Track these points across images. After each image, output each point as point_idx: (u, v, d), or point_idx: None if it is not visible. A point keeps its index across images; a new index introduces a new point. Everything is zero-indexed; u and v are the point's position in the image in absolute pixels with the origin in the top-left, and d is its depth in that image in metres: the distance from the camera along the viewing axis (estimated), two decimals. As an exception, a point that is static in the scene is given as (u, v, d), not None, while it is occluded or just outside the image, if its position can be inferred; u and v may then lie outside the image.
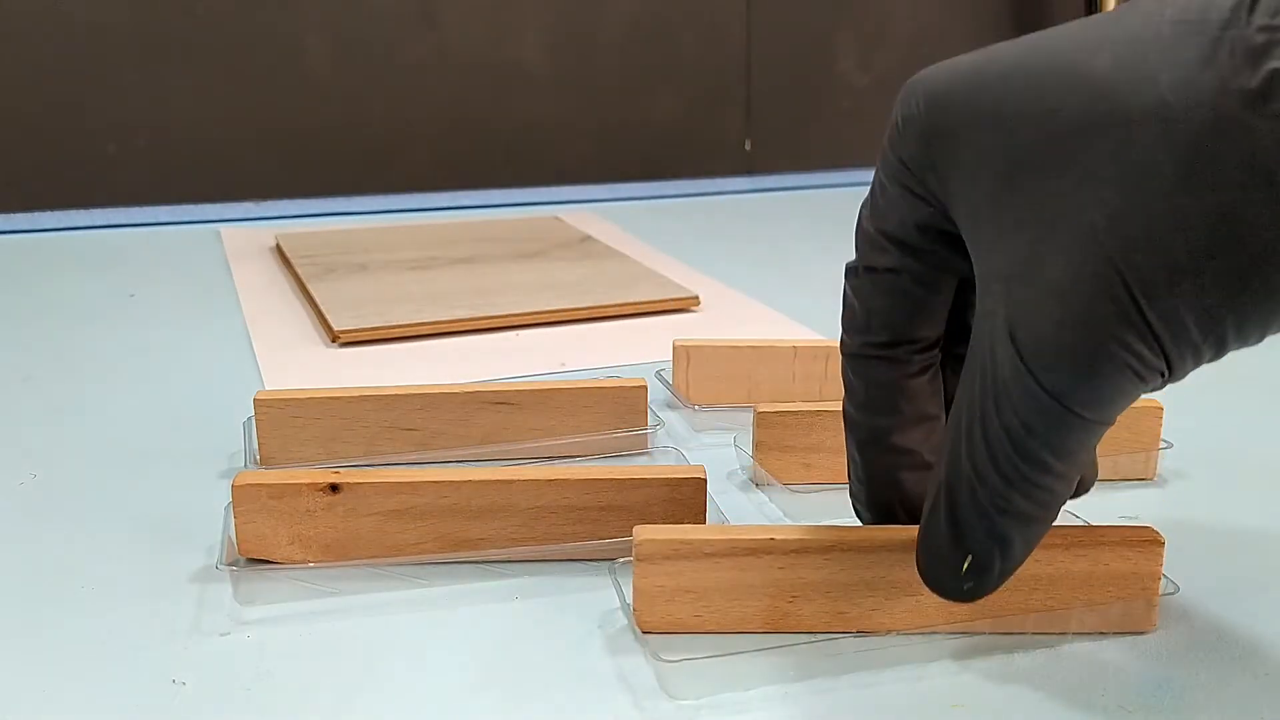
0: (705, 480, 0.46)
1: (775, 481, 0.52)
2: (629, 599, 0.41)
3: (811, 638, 0.40)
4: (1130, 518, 0.50)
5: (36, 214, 1.08)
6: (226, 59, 1.13)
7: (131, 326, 0.78)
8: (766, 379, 0.60)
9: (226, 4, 1.12)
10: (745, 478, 0.54)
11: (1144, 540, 0.41)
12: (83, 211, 1.10)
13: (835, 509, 0.51)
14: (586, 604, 0.43)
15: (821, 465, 0.53)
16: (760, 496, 0.52)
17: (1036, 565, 0.40)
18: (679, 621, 0.40)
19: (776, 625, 0.41)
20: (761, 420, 0.52)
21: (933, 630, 0.41)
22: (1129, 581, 0.41)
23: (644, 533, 0.40)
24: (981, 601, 0.36)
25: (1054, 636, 0.41)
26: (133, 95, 1.11)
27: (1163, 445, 0.54)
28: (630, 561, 0.40)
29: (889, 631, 0.41)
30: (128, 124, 1.11)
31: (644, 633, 0.40)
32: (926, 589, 0.37)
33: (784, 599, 0.40)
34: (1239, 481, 0.54)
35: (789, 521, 0.50)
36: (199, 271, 0.92)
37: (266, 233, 1.04)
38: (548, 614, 0.42)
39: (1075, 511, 0.48)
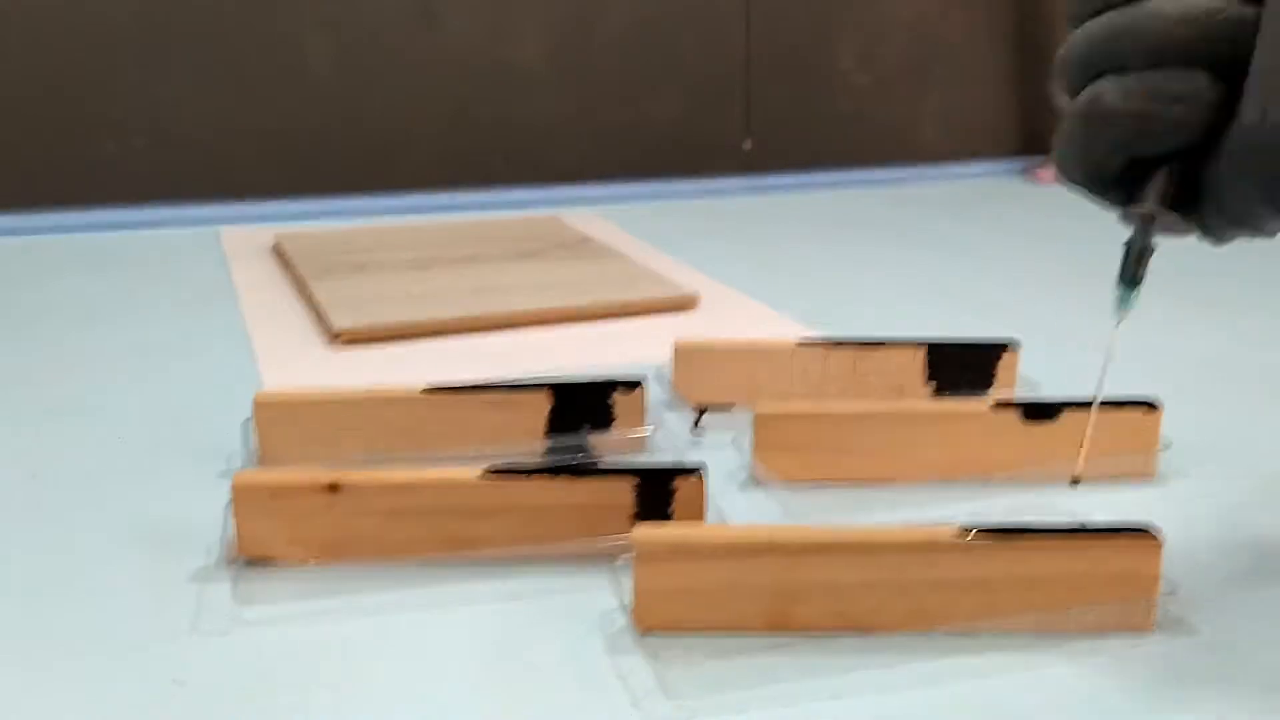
0: (705, 480, 0.46)
1: (775, 481, 0.52)
2: (628, 599, 0.41)
3: (811, 638, 0.40)
4: (1130, 518, 0.50)
5: (36, 214, 1.08)
6: (226, 59, 1.13)
7: (131, 326, 0.78)
8: (766, 379, 0.60)
9: (227, 4, 1.12)
10: (745, 478, 0.54)
11: (1144, 540, 0.41)
12: (83, 211, 1.10)
13: (835, 509, 0.51)
14: (586, 604, 0.43)
15: (821, 465, 0.53)
16: (760, 496, 0.52)
17: (1036, 565, 0.40)
18: (678, 621, 0.40)
19: (776, 625, 0.41)
20: (761, 420, 0.52)
21: (933, 630, 0.41)
22: (1129, 581, 0.41)
23: (644, 533, 0.40)
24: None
25: (1054, 636, 0.41)
26: (133, 95, 1.11)
27: (1163, 445, 0.54)
28: (630, 561, 0.40)
29: (889, 631, 0.41)
30: (128, 124, 1.11)
31: (643, 633, 0.40)
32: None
33: (784, 599, 0.40)
34: (1239, 481, 0.54)
35: (789, 521, 0.50)
36: (199, 271, 0.92)
37: (266, 233, 1.04)
38: (547, 614, 0.42)
39: (1075, 511, 0.48)
